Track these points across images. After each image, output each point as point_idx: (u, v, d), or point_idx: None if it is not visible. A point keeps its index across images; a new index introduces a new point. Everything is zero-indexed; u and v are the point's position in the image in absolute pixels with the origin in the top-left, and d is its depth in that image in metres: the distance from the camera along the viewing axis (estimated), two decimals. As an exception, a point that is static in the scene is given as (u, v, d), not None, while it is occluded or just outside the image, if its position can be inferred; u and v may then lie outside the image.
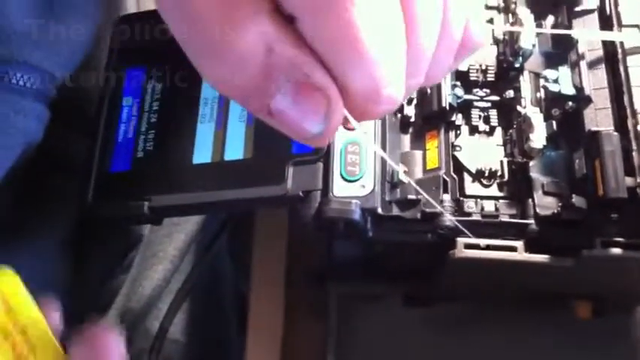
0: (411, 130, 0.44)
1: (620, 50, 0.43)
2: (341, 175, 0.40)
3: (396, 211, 0.40)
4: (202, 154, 0.42)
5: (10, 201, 0.42)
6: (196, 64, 0.26)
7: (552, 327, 0.47)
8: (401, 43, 0.26)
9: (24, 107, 0.40)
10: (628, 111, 0.41)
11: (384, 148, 0.42)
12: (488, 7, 0.47)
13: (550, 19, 0.46)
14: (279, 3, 0.25)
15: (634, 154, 0.39)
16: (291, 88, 0.25)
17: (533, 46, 0.44)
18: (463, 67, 0.44)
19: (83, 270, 0.46)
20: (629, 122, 0.40)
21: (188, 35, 0.26)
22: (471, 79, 0.44)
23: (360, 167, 0.40)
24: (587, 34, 0.43)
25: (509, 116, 0.44)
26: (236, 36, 0.24)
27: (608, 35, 0.43)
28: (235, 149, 0.42)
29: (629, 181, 0.39)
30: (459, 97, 0.44)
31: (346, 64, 0.25)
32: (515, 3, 0.46)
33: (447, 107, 0.43)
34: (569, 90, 0.43)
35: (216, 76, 0.26)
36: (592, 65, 0.43)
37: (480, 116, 0.44)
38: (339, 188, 0.39)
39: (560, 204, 0.40)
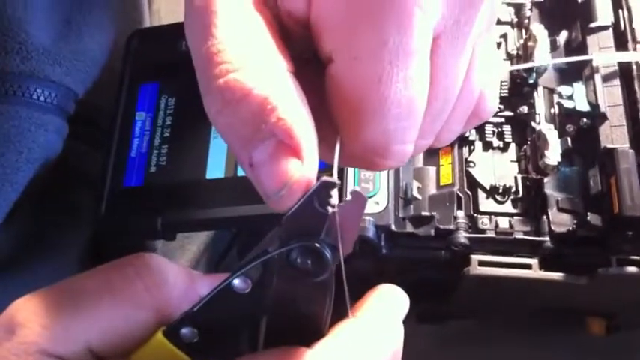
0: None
1: (635, 67, 0.42)
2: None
3: (409, 227, 0.40)
4: (216, 169, 0.42)
5: (30, 215, 0.42)
6: (203, 93, 0.28)
7: (565, 343, 0.47)
8: (422, 104, 0.27)
9: (45, 122, 0.40)
10: (643, 126, 0.40)
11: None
12: (501, 22, 0.47)
13: (564, 35, 0.46)
14: (317, 44, 0.26)
15: (650, 171, 0.39)
16: (272, 144, 0.26)
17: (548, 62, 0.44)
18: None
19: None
20: (645, 140, 0.40)
21: (202, 65, 0.27)
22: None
23: (374, 184, 0.40)
24: (604, 58, 0.43)
25: (523, 132, 0.44)
26: (241, 84, 0.25)
27: (624, 56, 0.43)
28: None
29: (645, 197, 0.38)
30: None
31: (364, 114, 0.26)
32: (529, 18, 0.46)
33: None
34: (583, 106, 0.43)
35: (212, 110, 0.27)
36: (607, 82, 0.43)
37: (493, 132, 0.44)
38: (353, 204, 0.39)
39: (575, 221, 0.40)
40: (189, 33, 0.28)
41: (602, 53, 0.43)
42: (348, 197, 0.26)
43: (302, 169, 0.26)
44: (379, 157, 0.27)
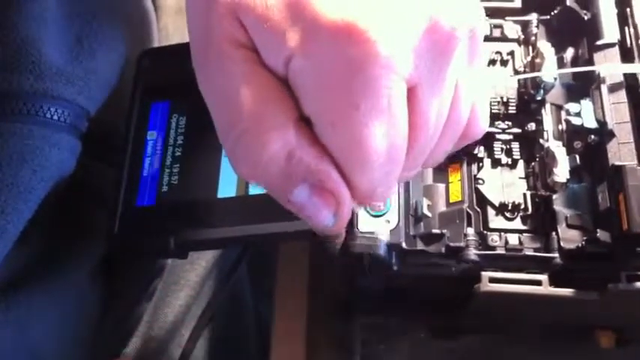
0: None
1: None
2: (366, 210, 0.40)
3: (420, 245, 0.41)
4: (227, 188, 0.42)
5: (44, 233, 0.43)
6: (229, 157, 0.30)
7: (575, 357, 0.47)
8: (402, 149, 0.29)
9: (58, 141, 0.41)
10: (651, 145, 0.41)
11: (407, 181, 0.42)
12: (508, 40, 0.47)
13: (570, 52, 0.46)
14: (301, 108, 0.29)
15: (658, 188, 0.39)
16: (307, 188, 0.29)
17: (555, 79, 0.44)
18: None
19: (109, 299, 0.47)
20: (652, 156, 0.40)
21: (222, 128, 0.30)
22: (493, 111, 0.45)
23: (385, 203, 0.40)
24: (610, 69, 0.43)
25: (532, 149, 0.44)
26: (263, 146, 0.28)
27: (630, 68, 0.43)
28: None
29: (653, 214, 0.39)
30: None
31: (352, 169, 0.29)
32: (536, 35, 0.46)
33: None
34: (591, 123, 0.43)
35: (243, 173, 0.30)
36: (614, 99, 0.43)
37: (502, 149, 0.44)
38: (365, 223, 0.40)
39: (584, 237, 0.40)
40: (205, 84, 0.31)
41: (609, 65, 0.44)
42: None
43: (337, 201, 0.29)
44: (368, 198, 0.30)
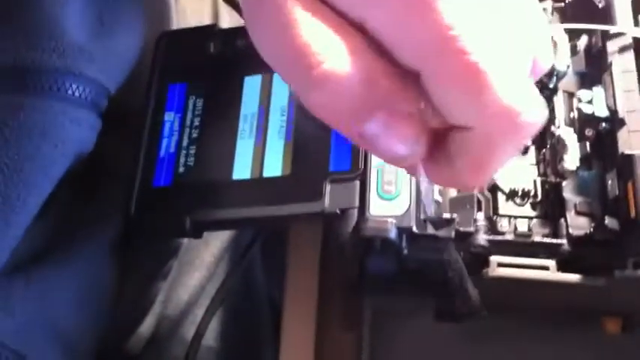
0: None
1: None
2: (377, 193, 0.41)
3: (430, 229, 0.41)
4: (242, 170, 0.43)
5: (63, 208, 0.44)
6: (295, 89, 0.28)
7: (581, 341, 0.47)
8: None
9: (79, 117, 0.42)
10: (661, 134, 0.41)
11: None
12: (523, 27, 0.47)
13: (584, 40, 0.47)
14: (400, 60, 0.26)
15: (667, 176, 0.40)
16: (384, 116, 0.26)
17: (568, 66, 0.45)
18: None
19: (125, 277, 0.48)
20: (662, 145, 0.41)
21: (289, 67, 0.27)
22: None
23: (396, 186, 0.41)
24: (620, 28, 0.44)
25: (543, 136, 0.44)
26: (336, 67, 0.26)
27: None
28: (274, 165, 0.43)
29: (662, 202, 0.39)
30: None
31: (476, 107, 0.26)
32: (550, 23, 0.47)
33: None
34: (602, 111, 0.43)
35: (315, 102, 0.27)
36: (626, 87, 0.43)
37: (513, 135, 0.45)
38: (376, 207, 0.40)
39: (592, 224, 0.41)
40: (263, 35, 0.28)
41: (620, 58, 0.44)
42: None
43: (419, 124, 0.27)
44: (510, 134, 0.26)
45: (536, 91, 0.26)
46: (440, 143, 0.28)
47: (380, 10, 0.26)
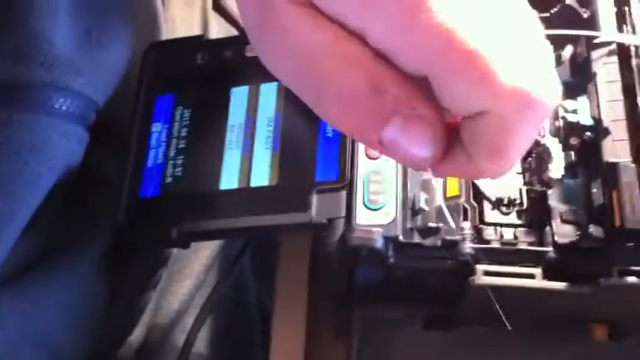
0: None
1: (638, 80, 0.43)
2: (364, 203, 0.41)
3: (417, 238, 0.41)
4: (229, 180, 0.44)
5: (52, 222, 0.44)
6: (311, 105, 0.29)
7: (570, 350, 0.48)
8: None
9: (67, 131, 0.42)
10: (644, 142, 0.42)
11: (405, 175, 0.43)
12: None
13: (569, 50, 0.47)
14: (403, 67, 0.27)
15: (651, 184, 0.40)
16: (399, 121, 0.27)
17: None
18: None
19: (115, 287, 0.48)
20: (646, 153, 0.41)
21: (301, 84, 0.29)
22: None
23: (382, 196, 0.41)
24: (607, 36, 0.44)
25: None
26: (345, 79, 0.27)
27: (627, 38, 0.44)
28: (261, 176, 0.43)
29: (645, 210, 0.40)
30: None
31: (485, 94, 0.26)
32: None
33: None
34: (587, 120, 0.44)
35: (332, 115, 0.28)
36: (610, 96, 0.44)
37: (499, 144, 0.45)
38: (362, 216, 0.41)
39: (578, 233, 0.41)
40: (274, 56, 0.29)
41: (604, 68, 0.45)
42: None
43: (433, 124, 0.27)
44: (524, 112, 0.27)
45: (550, 70, 0.27)
46: (453, 137, 0.28)
47: (375, 22, 0.27)
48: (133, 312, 0.51)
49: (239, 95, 0.47)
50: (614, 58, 0.45)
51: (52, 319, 0.45)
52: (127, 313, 0.50)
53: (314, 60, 0.27)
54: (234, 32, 0.62)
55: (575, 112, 0.44)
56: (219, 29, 0.63)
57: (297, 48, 0.27)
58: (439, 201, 0.43)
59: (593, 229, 0.40)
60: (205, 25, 0.63)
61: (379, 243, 0.40)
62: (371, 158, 0.42)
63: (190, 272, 0.55)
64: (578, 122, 0.44)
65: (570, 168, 0.43)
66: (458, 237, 0.41)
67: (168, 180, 0.44)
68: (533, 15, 0.28)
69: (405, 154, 0.28)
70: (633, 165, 0.41)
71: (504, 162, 0.28)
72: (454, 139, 0.29)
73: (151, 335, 0.52)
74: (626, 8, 0.46)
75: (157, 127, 0.46)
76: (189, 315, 0.54)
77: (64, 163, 0.42)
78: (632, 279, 0.39)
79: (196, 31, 0.59)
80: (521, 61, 0.26)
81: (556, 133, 0.45)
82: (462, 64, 0.25)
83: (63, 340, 0.46)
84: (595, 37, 0.45)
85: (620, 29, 0.46)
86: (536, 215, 0.43)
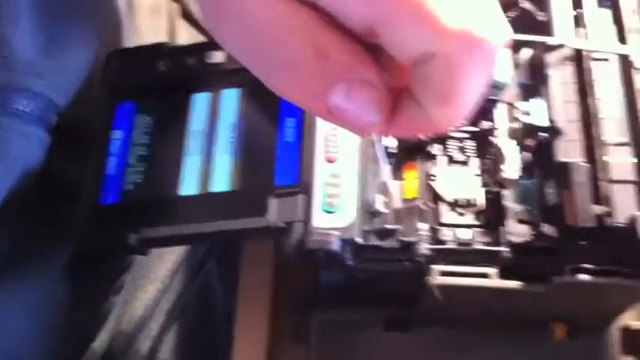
0: (389, 160, 0.46)
1: (590, 83, 0.44)
2: (322, 207, 0.41)
3: (374, 240, 0.42)
4: (189, 186, 0.44)
5: (12, 229, 0.44)
6: (262, 80, 0.29)
7: (530, 349, 0.48)
8: None
9: (26, 132, 0.42)
10: (596, 142, 0.42)
11: (364, 177, 0.43)
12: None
13: (525, 52, 0.48)
14: (352, 25, 0.27)
15: (601, 183, 0.41)
16: (344, 86, 0.27)
17: (510, 79, 0.46)
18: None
19: (78, 294, 0.48)
20: (597, 153, 0.42)
21: (252, 59, 0.29)
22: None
23: (340, 199, 0.42)
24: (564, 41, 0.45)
25: (485, 147, 0.45)
26: (289, 47, 0.27)
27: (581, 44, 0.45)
28: (221, 181, 0.44)
29: (597, 209, 0.40)
30: (436, 129, 0.46)
31: (431, 34, 0.26)
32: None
33: (425, 138, 0.45)
34: (542, 122, 0.44)
35: (277, 85, 0.28)
36: (565, 98, 0.45)
37: (456, 147, 0.46)
38: (320, 219, 0.41)
39: (533, 232, 0.42)
40: (222, 25, 0.29)
41: (559, 70, 0.45)
42: None
43: (378, 89, 0.28)
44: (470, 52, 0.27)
45: (497, 12, 0.27)
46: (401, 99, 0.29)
47: None
48: (96, 318, 0.51)
49: (200, 101, 0.47)
50: (569, 62, 0.45)
51: (15, 325, 0.45)
52: (91, 319, 0.51)
53: (263, 33, 0.27)
54: (202, 40, 0.62)
55: (530, 114, 0.45)
56: (188, 37, 0.64)
57: (248, 23, 0.28)
58: (396, 203, 0.44)
59: (547, 228, 0.41)
60: (172, 33, 0.63)
61: (336, 245, 0.40)
62: (330, 162, 0.43)
63: (155, 277, 0.55)
64: (533, 124, 0.44)
65: (526, 169, 0.44)
66: (414, 238, 0.42)
67: (129, 187, 0.45)
68: None
69: (352, 120, 0.28)
70: (585, 164, 0.41)
71: (454, 107, 0.28)
72: (402, 100, 0.29)
73: (116, 341, 0.53)
74: (582, 11, 0.47)
75: (117, 134, 0.47)
76: (154, 320, 0.54)
77: (23, 165, 0.42)
78: (584, 276, 0.40)
79: (163, 40, 0.60)
80: (466, 2, 0.27)
81: (513, 134, 0.45)
82: (408, 7, 0.26)
83: (26, 346, 0.46)
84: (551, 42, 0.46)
85: (575, 33, 0.47)
86: (492, 216, 0.43)
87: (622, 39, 0.46)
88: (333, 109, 0.28)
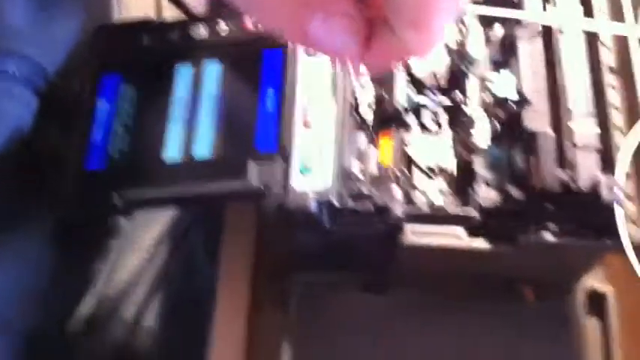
0: (366, 129, 0.47)
1: (558, 56, 0.46)
2: (300, 170, 0.43)
3: (351, 204, 0.44)
4: (172, 151, 0.46)
5: (5, 198, 0.45)
6: (244, 11, 0.31)
7: (500, 311, 0.50)
8: None
9: (15, 94, 0.44)
10: (562, 111, 0.44)
11: (341, 144, 0.45)
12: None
13: (497, 28, 0.50)
14: None
15: (566, 148, 0.43)
16: (322, 15, 0.29)
17: (481, 53, 0.48)
18: (417, 72, 0.48)
19: (64, 258, 0.50)
20: (563, 121, 0.44)
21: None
22: (423, 83, 0.48)
23: (318, 163, 0.43)
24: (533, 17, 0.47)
25: (458, 117, 0.47)
26: None
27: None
28: (203, 147, 0.45)
29: (562, 174, 0.42)
30: (411, 100, 0.48)
31: None
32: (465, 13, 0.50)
33: (401, 109, 0.47)
34: (511, 93, 0.46)
35: (259, 15, 0.30)
36: (533, 69, 0.47)
37: (431, 118, 0.48)
38: (298, 182, 0.43)
39: (501, 197, 0.44)
40: None
41: (529, 44, 0.47)
42: None
43: (355, 18, 0.29)
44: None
45: None
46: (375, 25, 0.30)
47: None
48: (82, 282, 0.52)
49: (184, 72, 0.49)
50: (538, 36, 0.47)
51: (2, 290, 0.46)
52: (77, 284, 0.52)
53: None
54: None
55: (500, 85, 0.47)
56: (172, 16, 0.65)
57: None
58: (372, 168, 0.46)
59: (514, 192, 0.43)
60: (159, 13, 0.65)
61: (314, 207, 0.42)
62: (308, 128, 0.45)
63: (140, 246, 0.57)
64: (502, 95, 0.46)
65: (496, 138, 0.46)
66: (389, 202, 0.43)
67: (114, 154, 0.46)
68: None
69: (330, 47, 0.30)
70: (550, 133, 0.44)
71: (426, 33, 0.29)
72: (376, 27, 0.30)
73: (101, 306, 0.54)
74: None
75: (102, 103, 0.48)
76: (140, 287, 0.56)
77: (12, 126, 0.44)
78: (548, 236, 0.42)
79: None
80: None
81: (484, 105, 0.47)
82: None
83: (12, 312, 0.47)
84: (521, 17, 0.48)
85: (544, 8, 0.49)
86: (463, 182, 0.45)
87: (589, 14, 0.48)
88: (312, 37, 0.30)
